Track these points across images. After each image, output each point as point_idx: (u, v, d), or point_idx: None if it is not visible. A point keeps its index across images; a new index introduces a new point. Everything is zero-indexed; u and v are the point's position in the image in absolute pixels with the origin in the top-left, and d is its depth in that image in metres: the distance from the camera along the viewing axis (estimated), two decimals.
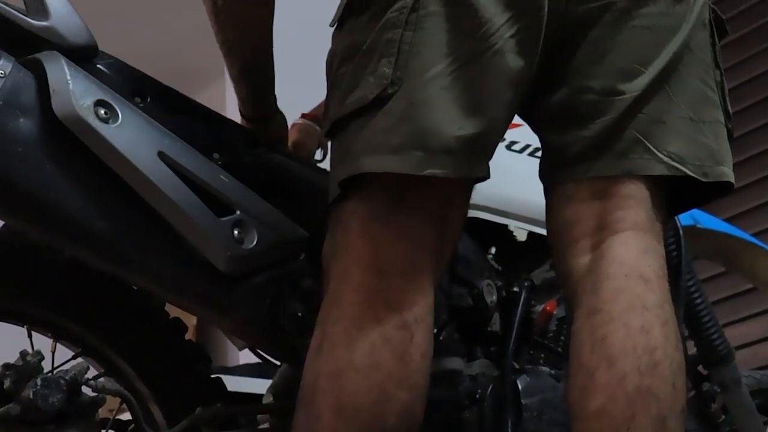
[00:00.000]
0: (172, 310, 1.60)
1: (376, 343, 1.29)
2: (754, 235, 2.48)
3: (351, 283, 1.32)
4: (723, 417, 2.12)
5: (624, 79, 1.41)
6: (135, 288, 1.57)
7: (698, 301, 2.14)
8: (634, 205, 1.42)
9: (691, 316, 2.11)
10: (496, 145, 1.41)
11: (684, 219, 2.15)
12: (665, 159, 1.42)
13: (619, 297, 1.35)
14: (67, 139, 1.36)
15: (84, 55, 1.45)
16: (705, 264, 2.72)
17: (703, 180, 1.44)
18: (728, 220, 2.50)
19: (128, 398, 1.52)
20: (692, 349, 2.11)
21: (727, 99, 1.52)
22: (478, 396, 1.69)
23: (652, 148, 1.41)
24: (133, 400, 1.53)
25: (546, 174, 1.48)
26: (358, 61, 1.35)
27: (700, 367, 2.13)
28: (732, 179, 1.48)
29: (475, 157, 1.35)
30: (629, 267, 1.37)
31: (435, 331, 1.66)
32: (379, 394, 1.28)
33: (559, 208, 1.45)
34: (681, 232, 2.08)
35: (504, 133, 1.43)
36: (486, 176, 1.39)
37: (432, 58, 1.33)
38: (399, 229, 1.34)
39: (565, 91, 1.43)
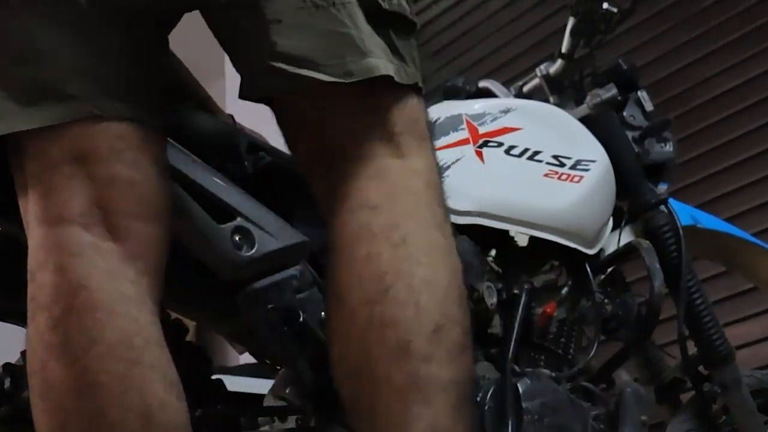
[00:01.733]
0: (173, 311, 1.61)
1: None
2: (754, 235, 2.48)
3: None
4: (724, 417, 2.11)
5: None
6: None
7: (698, 301, 2.14)
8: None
9: (691, 316, 2.11)
10: (117, 78, 1.24)
11: (684, 219, 2.15)
12: (288, 69, 1.17)
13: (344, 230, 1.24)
14: None
15: None
16: (705, 264, 2.72)
17: (348, 81, 1.17)
18: (728, 220, 2.50)
19: None
20: (693, 349, 2.11)
21: None
22: (478, 399, 1.69)
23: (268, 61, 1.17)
24: None
25: None
26: None
27: (700, 368, 2.13)
28: (389, 72, 1.20)
29: (40, 101, 1.22)
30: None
31: None
32: None
33: None
34: (681, 232, 2.08)
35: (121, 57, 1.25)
36: (103, 112, 1.24)
37: None
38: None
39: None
